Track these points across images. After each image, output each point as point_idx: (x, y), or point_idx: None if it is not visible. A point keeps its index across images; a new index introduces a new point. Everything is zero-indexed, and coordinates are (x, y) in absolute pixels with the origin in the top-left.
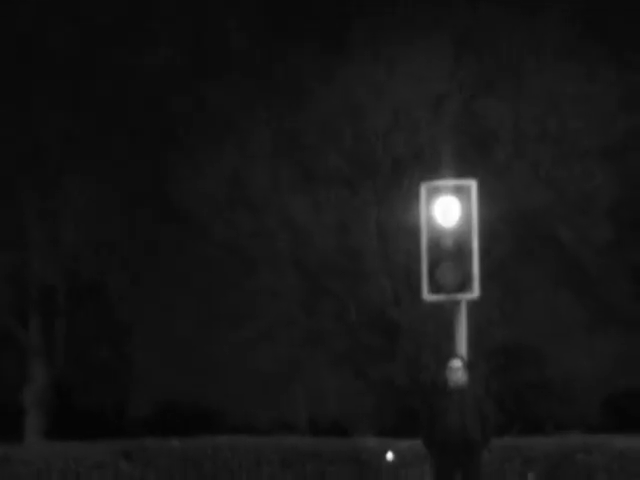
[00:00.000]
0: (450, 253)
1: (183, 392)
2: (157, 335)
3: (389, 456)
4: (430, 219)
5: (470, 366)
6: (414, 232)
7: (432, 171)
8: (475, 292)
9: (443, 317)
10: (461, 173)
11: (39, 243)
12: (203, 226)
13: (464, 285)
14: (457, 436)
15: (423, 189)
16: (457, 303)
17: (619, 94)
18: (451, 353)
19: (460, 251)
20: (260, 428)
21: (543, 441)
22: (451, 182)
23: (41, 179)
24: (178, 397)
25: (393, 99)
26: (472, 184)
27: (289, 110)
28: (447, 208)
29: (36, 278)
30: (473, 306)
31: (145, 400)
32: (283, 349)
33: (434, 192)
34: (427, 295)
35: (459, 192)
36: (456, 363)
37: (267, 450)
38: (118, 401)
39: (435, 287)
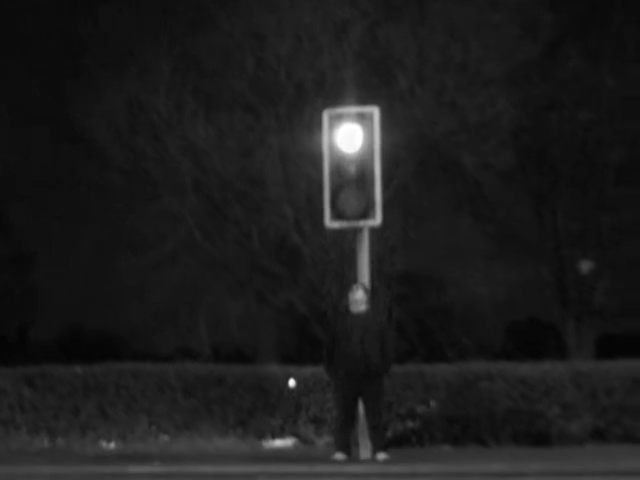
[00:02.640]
0: (352, 180)
1: (86, 318)
2: (60, 262)
3: (291, 383)
4: (332, 146)
5: (372, 293)
6: (317, 159)
7: (335, 98)
8: (377, 219)
9: (345, 244)
10: (364, 100)
11: None
12: (104, 151)
13: (366, 212)
14: (358, 362)
15: (325, 116)
16: (359, 230)
17: (521, 22)
18: (353, 280)
19: (362, 178)
20: (163, 355)
21: (445, 368)
22: (354, 109)
23: None
24: (81, 324)
25: (296, 24)
26: (375, 111)
27: (191, 36)
28: (350, 135)
29: None
30: (375, 233)
31: (48, 327)
32: (185, 275)
33: (337, 119)
34: (329, 222)
35: (362, 119)
36: (358, 290)
37: (170, 377)
38: (21, 328)
39: (337, 214)
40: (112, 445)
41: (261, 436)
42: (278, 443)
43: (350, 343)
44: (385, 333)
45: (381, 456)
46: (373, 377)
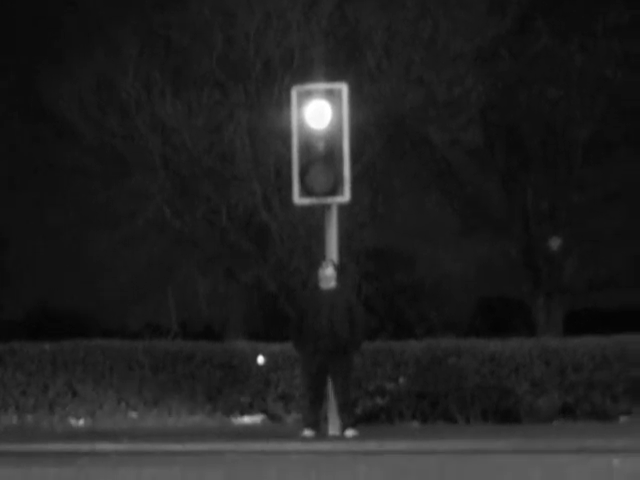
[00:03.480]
0: (321, 157)
1: (56, 296)
2: (29, 240)
3: (260, 359)
4: (301, 123)
5: (341, 270)
6: (285, 136)
7: (303, 75)
8: (346, 196)
9: (314, 221)
10: (333, 77)
11: None
12: (74, 130)
13: (335, 189)
14: (327, 339)
15: (294, 93)
16: (328, 207)
17: None
18: (322, 257)
19: (331, 155)
20: (132, 332)
21: (414, 345)
22: (322, 86)
23: None
24: (51, 301)
25: (265, 2)
26: (343, 87)
27: (160, 14)
28: (318, 112)
29: None
30: (344, 210)
31: (17, 305)
32: (154, 252)
33: (305, 96)
34: (298, 199)
35: (330, 96)
36: (327, 267)
37: (138, 354)
38: None
39: (306, 191)
40: (81, 422)
41: (230, 413)
42: (247, 420)
43: (319, 320)
44: (354, 310)
45: (350, 433)
46: (342, 354)
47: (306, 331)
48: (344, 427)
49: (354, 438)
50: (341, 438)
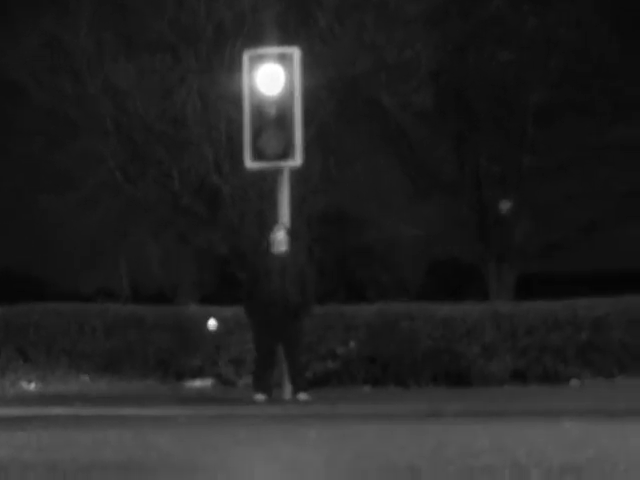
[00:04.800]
0: (273, 121)
1: (7, 259)
2: None
3: (211, 323)
4: (253, 87)
5: (292, 233)
6: (237, 100)
7: (255, 39)
8: (297, 159)
9: (266, 185)
10: (284, 41)
11: None
12: (24, 92)
13: (286, 153)
14: (278, 303)
15: (246, 57)
16: (280, 171)
17: None
18: (274, 221)
19: (283, 119)
20: (84, 295)
21: (366, 308)
22: (274, 50)
23: None
24: (1, 264)
25: None
26: (295, 51)
27: None
28: (270, 76)
29: None
30: (296, 173)
31: None
32: (106, 216)
33: (257, 60)
34: (250, 163)
35: (282, 60)
36: (279, 231)
37: (90, 317)
38: None
39: (257, 155)
40: (32, 386)
41: (181, 377)
42: (198, 384)
43: (270, 284)
44: (305, 274)
45: (302, 397)
46: (292, 318)
47: (257, 296)
48: (296, 391)
49: (306, 402)
50: (293, 402)
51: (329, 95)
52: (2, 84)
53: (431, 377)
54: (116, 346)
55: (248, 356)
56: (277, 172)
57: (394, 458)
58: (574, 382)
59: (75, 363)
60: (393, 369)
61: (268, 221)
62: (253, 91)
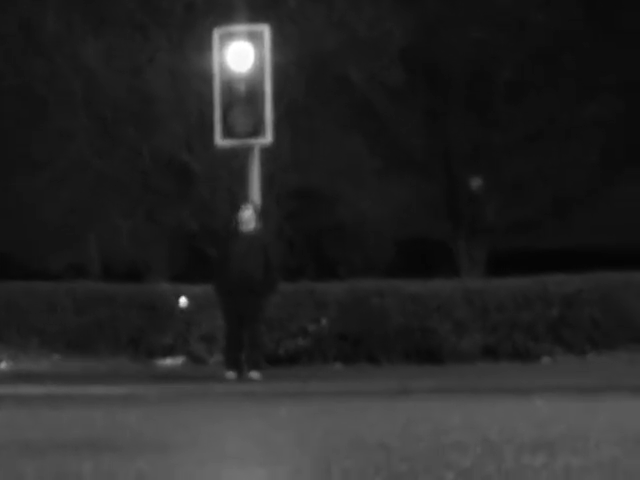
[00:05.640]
0: (243, 98)
1: None
2: None
3: (182, 301)
4: (223, 65)
5: (262, 211)
6: (208, 78)
7: (225, 17)
8: (268, 137)
9: (236, 162)
10: (254, 18)
11: None
12: None
13: (257, 130)
14: (242, 281)
15: (216, 35)
16: (250, 148)
17: None
18: (244, 198)
19: (253, 96)
20: (54, 273)
21: (336, 285)
22: (244, 27)
23: None
24: None
25: None
26: (265, 29)
27: None
28: (240, 53)
29: None
30: (266, 151)
31: None
32: (77, 194)
33: (227, 37)
34: (220, 140)
35: (252, 37)
36: (248, 209)
37: (61, 295)
38: None
39: (228, 132)
40: (3, 365)
41: (152, 355)
42: (169, 361)
43: (236, 262)
44: (269, 252)
45: (254, 375)
46: (255, 296)
47: (225, 273)
48: (250, 368)
49: (258, 380)
50: (244, 380)
51: (299, 72)
52: None
53: (402, 354)
54: (87, 324)
55: (219, 333)
56: (247, 149)
57: (365, 435)
58: (545, 359)
59: (46, 342)
60: (364, 346)
61: (238, 198)
62: (223, 69)
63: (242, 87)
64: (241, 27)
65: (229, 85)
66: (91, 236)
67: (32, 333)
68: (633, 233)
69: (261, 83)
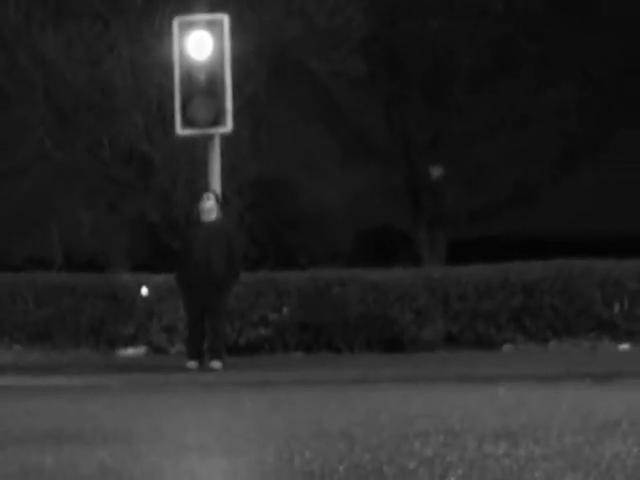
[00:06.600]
0: (203, 88)
1: None
2: None
3: (144, 291)
4: (183, 54)
5: (223, 201)
6: (167, 67)
7: (185, 6)
8: (228, 126)
9: (197, 152)
10: (213, 7)
11: None
12: None
13: (217, 119)
14: (203, 271)
15: (175, 23)
16: (210, 137)
17: None
18: (204, 188)
19: (213, 85)
20: (15, 264)
21: (297, 275)
22: (203, 16)
23: None
24: None
25: None
26: (224, 18)
27: None
28: (200, 43)
29: None
30: (226, 141)
31: None
32: (37, 185)
33: (186, 27)
34: (180, 130)
35: (211, 26)
36: (209, 199)
37: (21, 286)
38: None
39: (188, 121)
40: None
41: (114, 345)
42: (130, 352)
43: (197, 252)
44: (232, 242)
45: (215, 365)
46: (217, 286)
47: (186, 264)
48: (210, 358)
49: (218, 370)
50: (206, 370)
51: (259, 62)
52: None
53: (364, 343)
54: (48, 315)
55: (180, 324)
56: (208, 139)
57: (327, 425)
58: (507, 347)
59: (7, 333)
60: (325, 335)
61: (199, 188)
62: (183, 58)
63: (202, 76)
64: (200, 16)
65: (189, 74)
66: (52, 227)
67: None
68: (594, 221)
69: (221, 72)
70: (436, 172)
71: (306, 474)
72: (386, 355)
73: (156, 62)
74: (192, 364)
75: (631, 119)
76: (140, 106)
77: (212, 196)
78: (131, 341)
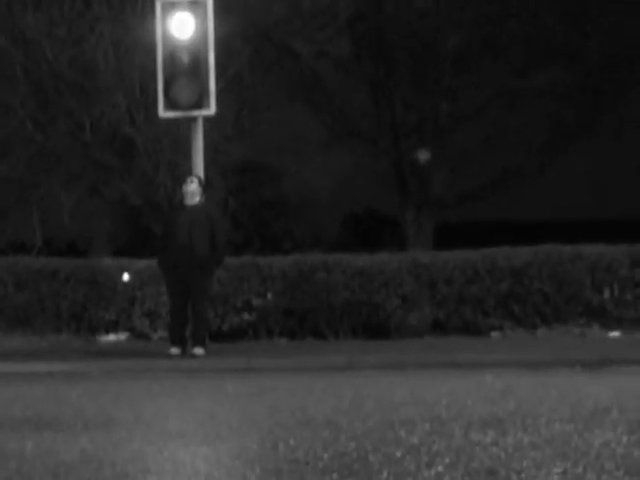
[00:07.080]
0: (186, 69)
1: None
2: None
3: (125, 276)
4: (166, 35)
5: (206, 185)
6: (150, 48)
7: None
8: (211, 108)
9: (180, 134)
10: None
11: None
12: None
13: (200, 101)
14: (186, 255)
15: (159, 4)
16: (193, 120)
17: None
18: (187, 172)
19: (196, 67)
20: None
21: (281, 260)
22: None
23: None
24: None
25: None
26: None
27: None
28: (183, 23)
29: None
30: (210, 123)
31: None
32: (17, 167)
33: (170, 7)
34: (163, 112)
35: (195, 7)
36: (191, 182)
37: (1, 271)
38: None
39: (171, 103)
40: None
41: (95, 331)
42: (112, 338)
43: (180, 235)
44: (216, 226)
45: (198, 351)
46: (200, 271)
47: (169, 247)
48: (194, 344)
49: (201, 356)
50: (188, 356)
51: (243, 43)
52: None
53: (349, 329)
54: (28, 300)
55: (163, 309)
56: (191, 121)
57: (312, 412)
58: (495, 333)
59: None
60: (310, 321)
61: (182, 171)
62: (166, 39)
63: (185, 58)
64: None
65: (172, 56)
66: (32, 211)
67: None
68: (583, 205)
69: (204, 53)
70: (423, 155)
71: (290, 462)
72: (372, 341)
73: (139, 43)
74: (175, 350)
75: (620, 102)
76: (122, 87)
77: (195, 179)
78: (113, 327)
